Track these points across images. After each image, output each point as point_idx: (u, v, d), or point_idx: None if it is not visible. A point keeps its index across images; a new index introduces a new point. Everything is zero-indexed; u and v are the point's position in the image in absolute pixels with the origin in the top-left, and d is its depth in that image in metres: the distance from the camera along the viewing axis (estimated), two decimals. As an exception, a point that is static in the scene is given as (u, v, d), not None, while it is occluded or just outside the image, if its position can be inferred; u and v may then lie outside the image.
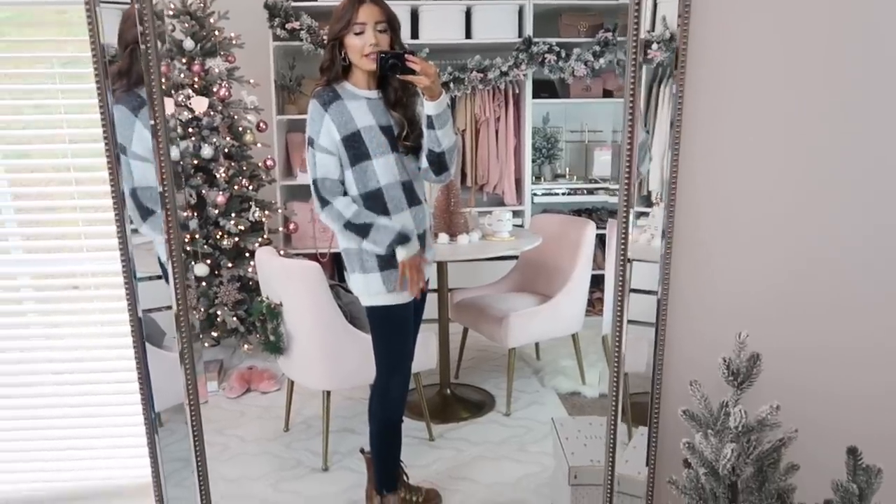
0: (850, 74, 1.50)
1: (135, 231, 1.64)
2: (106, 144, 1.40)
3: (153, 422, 1.59)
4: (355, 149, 1.92)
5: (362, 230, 1.95)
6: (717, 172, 1.55)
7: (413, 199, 2.02)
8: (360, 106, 1.93)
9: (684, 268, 1.58)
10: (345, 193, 1.96)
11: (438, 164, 2.00)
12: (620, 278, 1.49)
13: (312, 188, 1.96)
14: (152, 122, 1.40)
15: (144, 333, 1.57)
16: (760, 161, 1.54)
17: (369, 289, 2.02)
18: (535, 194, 4.09)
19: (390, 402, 2.13)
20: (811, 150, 1.54)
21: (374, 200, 1.96)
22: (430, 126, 1.92)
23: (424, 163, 2.01)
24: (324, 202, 1.95)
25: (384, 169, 1.94)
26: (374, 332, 2.08)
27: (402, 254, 1.96)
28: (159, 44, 1.39)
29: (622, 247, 1.47)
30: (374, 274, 2.01)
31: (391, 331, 2.07)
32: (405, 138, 1.97)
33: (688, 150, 1.53)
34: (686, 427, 1.30)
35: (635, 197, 1.50)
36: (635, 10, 1.30)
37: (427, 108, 1.91)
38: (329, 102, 1.92)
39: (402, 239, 1.96)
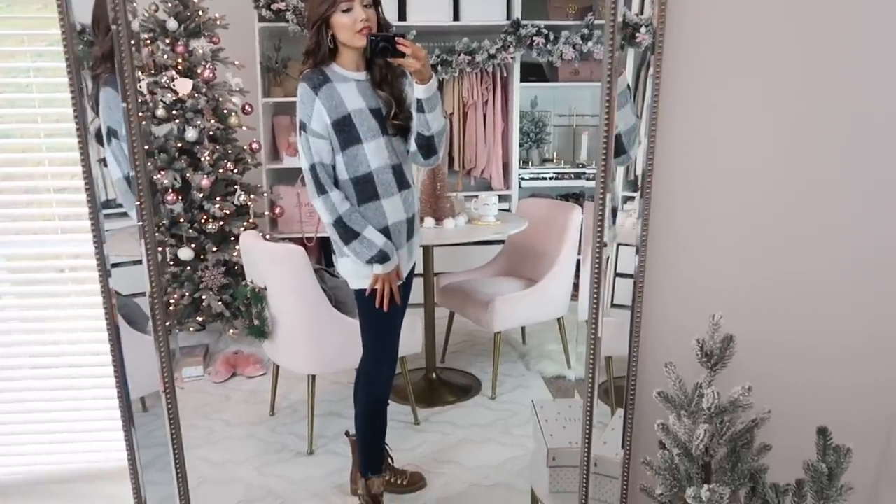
0: (832, 64, 1.49)
1: (123, 215, 1.63)
2: (78, 129, 1.38)
3: (128, 406, 1.58)
4: (346, 132, 1.89)
5: (349, 235, 1.93)
6: (694, 159, 1.55)
7: (403, 182, 2.00)
8: (350, 88, 1.90)
9: (661, 253, 1.58)
10: (336, 182, 1.94)
11: (427, 147, 1.97)
12: (597, 262, 1.49)
13: (309, 174, 1.92)
14: (124, 104, 1.38)
15: (121, 318, 1.56)
16: (738, 149, 1.54)
17: (358, 272, 2.01)
18: (522, 178, 4.09)
19: (376, 385, 2.13)
20: (789, 140, 1.54)
21: (365, 185, 1.93)
22: (420, 109, 1.89)
23: (413, 146, 1.98)
24: (321, 189, 1.92)
25: (375, 152, 1.92)
26: (362, 315, 2.07)
27: (378, 269, 1.96)
28: (132, 23, 1.36)
29: (598, 231, 1.47)
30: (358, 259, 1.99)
31: (378, 315, 2.04)
32: (394, 118, 1.94)
33: (665, 136, 1.52)
34: (662, 409, 1.30)
35: (612, 181, 1.49)
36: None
37: (417, 91, 1.87)
38: (319, 86, 1.88)
39: (382, 258, 1.95)
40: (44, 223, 2.03)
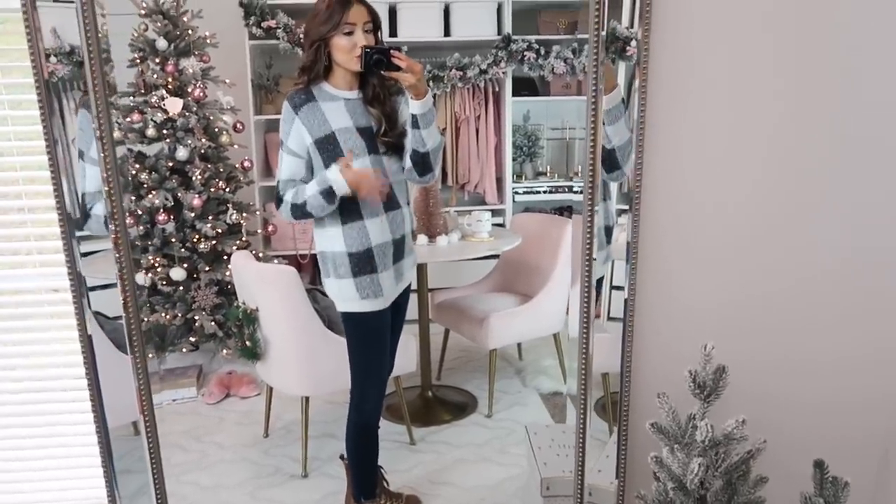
0: (822, 81, 1.49)
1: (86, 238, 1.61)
2: (48, 152, 1.36)
3: (104, 429, 1.55)
4: (329, 151, 1.87)
5: (306, 202, 1.88)
6: (682, 175, 1.54)
7: (391, 202, 1.97)
8: (337, 107, 1.89)
9: (651, 269, 1.56)
10: None
11: (423, 164, 1.93)
12: (586, 280, 1.47)
13: (277, 187, 1.93)
14: (94, 125, 1.36)
15: (108, 342, 1.53)
16: (727, 163, 1.53)
17: (342, 294, 1.98)
18: (516, 192, 4.07)
19: (365, 410, 2.09)
20: (778, 156, 1.53)
21: (349, 204, 1.90)
22: (415, 125, 1.86)
23: (408, 163, 1.94)
24: (279, 201, 1.93)
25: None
26: (349, 338, 2.04)
27: (333, 172, 1.84)
28: (102, 42, 1.34)
29: (587, 247, 1.46)
30: (346, 280, 1.96)
31: (365, 338, 2.02)
32: (384, 135, 1.92)
33: (653, 149, 1.51)
34: (656, 438, 1.28)
35: (599, 195, 1.48)
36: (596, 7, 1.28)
37: (412, 106, 1.84)
38: (300, 105, 1.87)
39: (331, 186, 1.84)
40: (19, 244, 1.98)
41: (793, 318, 1.58)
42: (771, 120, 1.50)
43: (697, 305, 1.57)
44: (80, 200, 1.54)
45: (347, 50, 1.82)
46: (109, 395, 1.60)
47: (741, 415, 1.21)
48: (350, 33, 1.81)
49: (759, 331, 1.57)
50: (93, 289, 1.75)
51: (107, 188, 1.36)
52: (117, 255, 1.42)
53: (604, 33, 1.34)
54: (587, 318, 1.47)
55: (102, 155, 1.34)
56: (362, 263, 1.95)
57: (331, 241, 1.97)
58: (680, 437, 1.23)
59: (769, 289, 1.57)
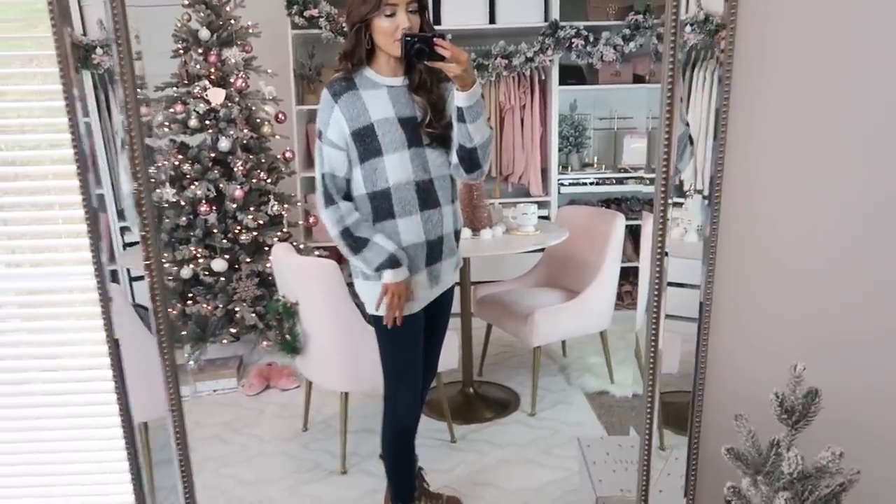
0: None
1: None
2: (75, 150, 1.31)
3: (130, 431, 1.51)
4: (366, 144, 1.77)
5: (357, 244, 1.81)
6: (767, 165, 1.41)
7: (428, 200, 1.83)
8: (379, 95, 1.78)
9: (729, 271, 1.44)
10: (348, 195, 1.83)
11: (469, 160, 1.81)
12: (657, 282, 1.36)
13: (319, 182, 1.83)
14: (123, 118, 1.30)
15: (138, 338, 1.49)
16: (815, 154, 1.40)
17: (370, 296, 1.89)
18: (561, 184, 3.95)
19: (397, 417, 1.99)
20: (873, 143, 1.39)
21: (382, 201, 1.80)
22: (461, 119, 1.73)
23: (455, 158, 1.82)
24: (329, 200, 1.81)
25: (397, 166, 1.78)
26: (380, 342, 1.95)
27: (387, 276, 1.81)
28: (133, 41, 1.29)
29: (659, 246, 1.35)
30: (374, 282, 1.86)
31: (395, 343, 1.91)
32: (429, 125, 1.79)
33: (733, 141, 1.39)
34: (727, 434, 1.16)
35: (672, 190, 1.37)
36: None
37: (457, 98, 1.71)
38: (340, 93, 1.77)
39: (392, 262, 1.80)
40: (53, 241, 1.94)
41: (890, 339, 1.43)
42: (861, 123, 1.37)
43: (782, 303, 1.44)
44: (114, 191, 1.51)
45: (389, 33, 1.70)
46: (144, 389, 1.56)
47: (833, 445, 1.08)
48: (392, 14, 1.68)
49: (849, 349, 1.43)
50: (137, 279, 1.73)
51: (135, 184, 1.31)
52: (144, 254, 1.36)
53: (683, 15, 1.22)
54: (656, 322, 1.35)
55: (130, 150, 1.28)
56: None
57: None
58: (761, 466, 1.11)
59: (863, 304, 1.42)
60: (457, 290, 2.74)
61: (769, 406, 1.12)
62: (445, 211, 1.88)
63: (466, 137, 1.75)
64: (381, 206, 1.81)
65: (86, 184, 1.34)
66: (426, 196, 1.82)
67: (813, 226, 1.43)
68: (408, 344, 1.92)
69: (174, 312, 3.20)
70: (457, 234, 1.96)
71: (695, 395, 1.38)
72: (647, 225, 1.53)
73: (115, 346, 1.44)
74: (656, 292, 1.35)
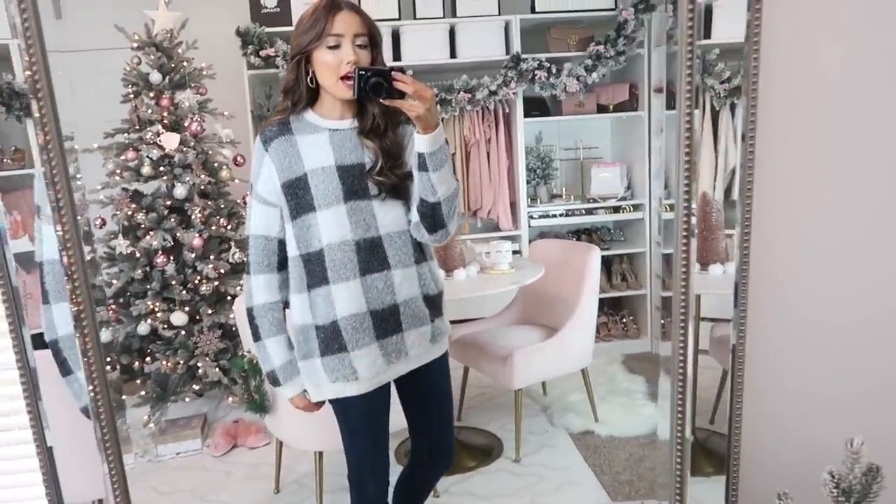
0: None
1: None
2: None
3: None
4: (298, 197, 1.51)
5: (255, 334, 1.60)
6: (796, 192, 1.34)
7: (372, 263, 1.53)
8: (318, 141, 1.52)
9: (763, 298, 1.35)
10: (284, 260, 1.58)
11: (433, 218, 1.52)
12: (683, 313, 1.26)
13: (249, 245, 1.58)
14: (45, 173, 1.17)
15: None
16: (846, 182, 1.34)
17: (312, 378, 1.60)
18: (531, 217, 3.89)
19: (366, 496, 1.71)
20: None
21: (315, 263, 1.53)
22: (423, 167, 1.46)
23: (415, 216, 1.55)
24: (248, 268, 1.58)
25: (329, 223, 1.51)
26: (338, 422, 1.67)
27: (282, 392, 1.64)
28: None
29: (683, 279, 1.25)
30: (314, 359, 1.58)
31: (350, 426, 1.64)
32: (379, 172, 1.52)
33: (761, 168, 1.32)
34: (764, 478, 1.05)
35: (695, 222, 1.28)
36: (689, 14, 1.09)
37: (418, 143, 1.44)
38: (272, 139, 1.52)
39: (272, 379, 1.60)
40: None
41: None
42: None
43: (814, 380, 1.35)
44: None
45: (333, 68, 1.46)
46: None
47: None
48: (336, 46, 1.45)
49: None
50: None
51: (66, 259, 1.16)
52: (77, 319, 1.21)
53: (699, 41, 1.15)
54: (683, 365, 1.24)
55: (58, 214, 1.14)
56: (329, 340, 1.55)
57: (297, 310, 1.59)
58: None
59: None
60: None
61: (805, 449, 1.02)
62: (400, 274, 1.57)
63: (429, 190, 1.48)
64: (315, 269, 1.54)
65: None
66: (369, 258, 1.53)
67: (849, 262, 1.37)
68: (364, 427, 1.65)
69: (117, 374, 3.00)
70: (429, 298, 1.63)
71: (730, 451, 1.27)
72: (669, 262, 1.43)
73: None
74: (682, 325, 1.25)
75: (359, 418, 1.63)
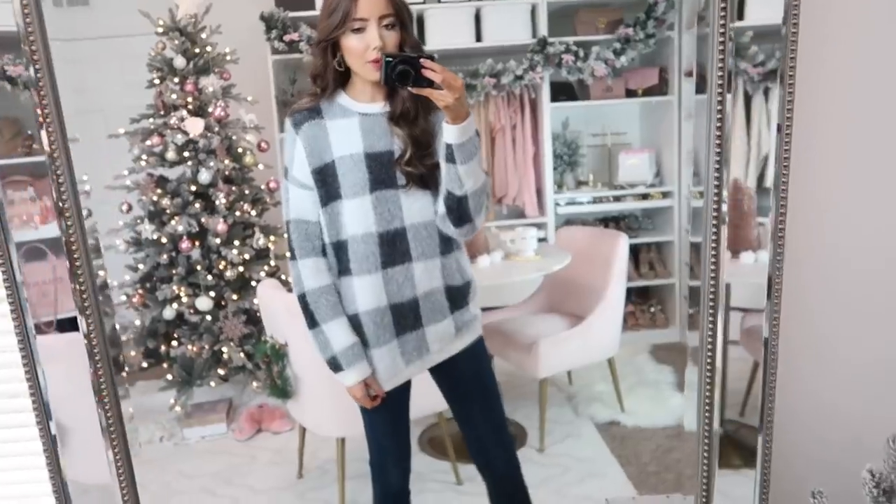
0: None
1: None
2: None
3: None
4: (328, 185, 1.49)
5: (311, 320, 1.54)
6: (832, 181, 1.29)
7: (394, 255, 1.50)
8: (348, 125, 1.49)
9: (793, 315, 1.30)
10: (323, 245, 1.54)
11: (459, 211, 1.47)
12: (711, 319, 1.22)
13: (287, 231, 1.55)
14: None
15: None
16: (884, 172, 1.28)
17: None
18: (557, 204, 3.83)
19: (388, 482, 1.72)
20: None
21: (341, 254, 1.52)
22: (451, 159, 1.41)
23: (441, 208, 1.50)
24: (292, 254, 1.53)
25: (354, 214, 1.48)
26: (360, 412, 1.67)
27: (339, 378, 1.55)
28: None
29: (713, 267, 1.20)
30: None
31: (370, 418, 1.65)
32: (408, 162, 1.47)
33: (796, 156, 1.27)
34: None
35: (725, 209, 1.24)
36: None
37: (447, 133, 1.39)
38: (301, 123, 1.50)
39: (334, 366, 1.53)
40: None
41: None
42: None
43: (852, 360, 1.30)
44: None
45: (359, 53, 1.41)
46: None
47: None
48: (361, 30, 1.40)
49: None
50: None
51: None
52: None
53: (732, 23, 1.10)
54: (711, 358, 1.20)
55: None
56: (354, 324, 1.54)
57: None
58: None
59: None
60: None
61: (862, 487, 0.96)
62: (421, 267, 1.52)
63: (456, 183, 1.44)
64: (341, 259, 1.52)
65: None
66: (391, 250, 1.50)
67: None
68: (382, 420, 1.65)
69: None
70: (452, 290, 1.58)
71: (763, 441, 1.23)
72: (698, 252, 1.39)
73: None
74: (711, 316, 1.21)
75: (377, 410, 1.62)
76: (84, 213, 1.38)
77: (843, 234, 1.46)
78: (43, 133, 1.23)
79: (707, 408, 1.43)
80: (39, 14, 1.19)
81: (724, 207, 1.27)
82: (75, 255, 1.20)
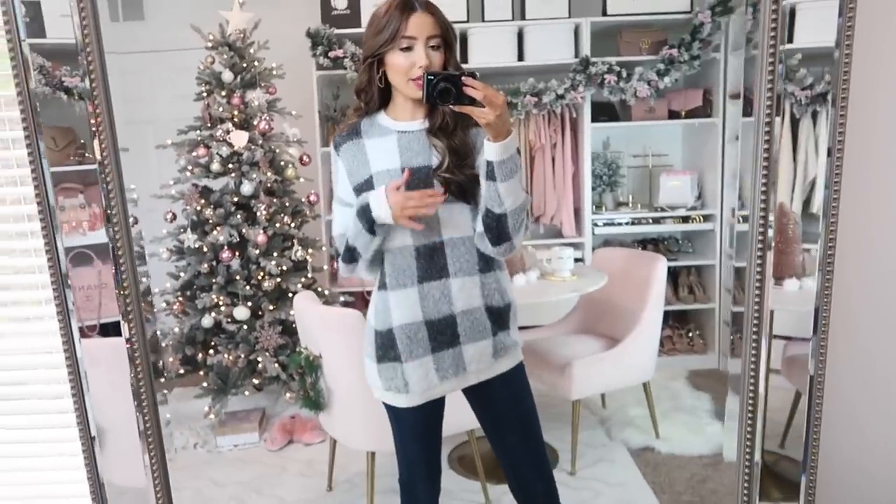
0: None
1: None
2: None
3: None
4: None
5: (348, 248, 1.54)
6: (882, 209, 1.26)
7: (431, 270, 1.49)
8: (386, 143, 1.50)
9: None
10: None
11: (498, 230, 1.45)
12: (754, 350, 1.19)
13: (334, 245, 1.61)
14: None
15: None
16: None
17: (370, 379, 1.62)
18: (595, 225, 3.80)
19: (418, 499, 1.72)
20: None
21: (380, 266, 1.55)
22: (491, 176, 1.39)
23: (480, 226, 1.47)
24: (348, 258, 1.56)
25: (392, 228, 1.48)
26: (391, 428, 1.69)
27: (382, 213, 1.43)
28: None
29: (757, 294, 1.18)
30: (370, 362, 1.60)
31: (401, 433, 1.65)
32: (446, 170, 1.46)
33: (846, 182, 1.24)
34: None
35: (771, 234, 1.21)
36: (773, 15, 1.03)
37: (488, 151, 1.38)
38: (341, 144, 1.54)
39: (366, 213, 1.46)
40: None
41: None
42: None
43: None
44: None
45: (404, 70, 1.43)
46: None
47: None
48: (409, 48, 1.41)
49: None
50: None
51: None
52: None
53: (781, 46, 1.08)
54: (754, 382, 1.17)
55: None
56: (385, 347, 1.55)
57: (370, 309, 1.61)
58: None
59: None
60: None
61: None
62: (458, 283, 1.51)
63: (496, 201, 1.41)
64: (382, 271, 1.55)
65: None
66: (428, 265, 1.49)
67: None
68: (413, 436, 1.64)
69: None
70: (494, 310, 1.55)
71: (806, 477, 1.19)
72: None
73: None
74: (754, 344, 1.18)
75: (409, 426, 1.62)
76: (130, 220, 1.41)
77: (893, 262, 1.41)
78: (95, 142, 1.27)
79: (748, 438, 1.39)
80: (97, 28, 1.23)
81: (771, 233, 1.23)
82: (121, 262, 1.22)
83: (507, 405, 1.61)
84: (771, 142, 1.23)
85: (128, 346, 1.29)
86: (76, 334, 1.29)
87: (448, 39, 1.46)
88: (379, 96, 1.52)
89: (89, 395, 1.31)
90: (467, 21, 3.60)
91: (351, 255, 1.53)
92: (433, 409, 1.62)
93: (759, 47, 1.31)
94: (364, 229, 1.47)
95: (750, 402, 1.24)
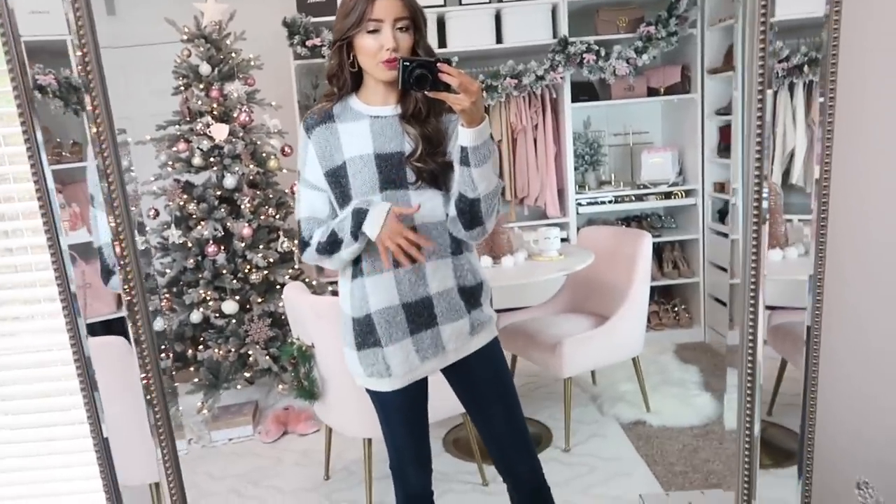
0: None
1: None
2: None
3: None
4: (341, 186, 1.51)
5: (332, 242, 1.51)
6: (869, 180, 1.28)
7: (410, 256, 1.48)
8: (359, 128, 1.50)
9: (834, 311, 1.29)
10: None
11: (470, 214, 1.48)
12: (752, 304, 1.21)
13: (299, 229, 1.58)
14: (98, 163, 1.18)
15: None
16: None
17: (352, 367, 1.63)
18: (579, 204, 3.82)
19: (410, 483, 1.73)
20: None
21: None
22: (465, 162, 1.42)
23: (453, 210, 1.50)
24: (304, 245, 1.56)
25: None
26: (377, 416, 1.70)
27: (370, 229, 1.44)
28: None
29: (753, 266, 1.19)
30: (350, 351, 1.61)
31: (387, 418, 1.66)
32: (418, 158, 1.48)
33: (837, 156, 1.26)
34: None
35: (766, 206, 1.23)
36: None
37: (462, 136, 1.40)
38: (313, 126, 1.52)
39: (359, 216, 1.45)
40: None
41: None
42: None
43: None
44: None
45: (373, 53, 1.43)
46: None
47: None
48: (376, 31, 1.42)
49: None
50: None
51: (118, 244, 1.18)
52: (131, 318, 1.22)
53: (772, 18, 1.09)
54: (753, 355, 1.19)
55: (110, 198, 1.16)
56: (364, 334, 1.56)
57: (342, 299, 1.61)
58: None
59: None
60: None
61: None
62: (432, 265, 1.53)
63: (469, 185, 1.44)
64: (355, 261, 1.55)
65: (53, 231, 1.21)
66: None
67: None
68: (400, 418, 1.65)
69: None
70: (466, 289, 1.57)
71: (804, 441, 1.22)
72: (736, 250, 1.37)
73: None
74: (752, 314, 1.20)
75: (394, 411, 1.64)
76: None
77: (883, 230, 1.43)
78: (90, 134, 1.25)
79: (748, 408, 1.42)
80: (91, 20, 1.21)
81: (765, 205, 1.25)
82: (126, 260, 1.22)
83: (486, 381, 1.64)
84: (763, 114, 1.24)
85: (135, 346, 1.28)
86: (83, 332, 1.29)
87: (416, 21, 1.47)
88: (351, 80, 1.52)
89: (98, 395, 1.31)
90: (444, 5, 3.59)
91: (331, 248, 1.51)
92: (416, 391, 1.63)
93: (745, 19, 1.31)
94: (349, 230, 1.47)
95: (749, 373, 1.26)
